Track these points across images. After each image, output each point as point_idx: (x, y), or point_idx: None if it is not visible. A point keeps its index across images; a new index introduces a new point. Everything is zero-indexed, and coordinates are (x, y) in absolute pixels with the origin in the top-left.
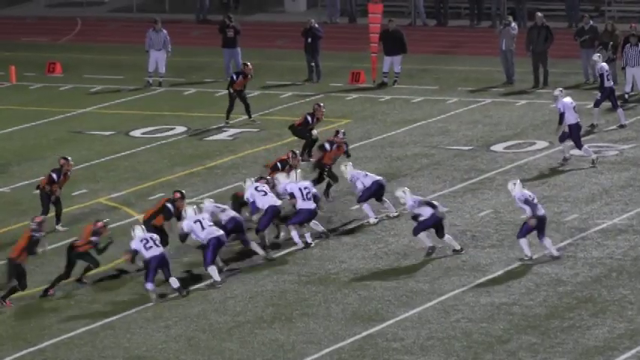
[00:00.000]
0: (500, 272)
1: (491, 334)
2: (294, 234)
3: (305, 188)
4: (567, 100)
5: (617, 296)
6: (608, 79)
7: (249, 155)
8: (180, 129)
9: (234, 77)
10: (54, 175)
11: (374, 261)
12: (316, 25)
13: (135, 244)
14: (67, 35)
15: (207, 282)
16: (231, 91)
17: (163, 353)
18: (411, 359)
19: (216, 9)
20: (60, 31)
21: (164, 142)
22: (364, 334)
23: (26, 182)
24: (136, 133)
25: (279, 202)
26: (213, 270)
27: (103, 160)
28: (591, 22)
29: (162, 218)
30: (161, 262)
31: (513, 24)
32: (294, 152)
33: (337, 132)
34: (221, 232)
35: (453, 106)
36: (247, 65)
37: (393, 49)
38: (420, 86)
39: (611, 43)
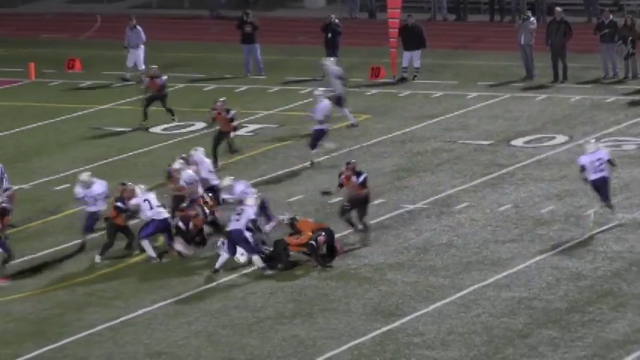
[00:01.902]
0: (520, 267)
1: (511, 329)
2: (146, 244)
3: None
4: (590, 153)
5: (638, 290)
6: None
7: (270, 151)
8: (200, 125)
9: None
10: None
11: (394, 256)
12: (336, 21)
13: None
14: (87, 31)
15: (228, 277)
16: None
17: (184, 349)
18: (432, 354)
19: (235, 5)
20: (80, 27)
21: (184, 138)
22: (385, 329)
23: (46, 179)
24: (157, 129)
25: (164, 216)
26: (146, 245)
27: (122, 156)
28: (611, 17)
29: (121, 218)
30: (163, 225)
31: (532, 19)
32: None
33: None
34: (166, 214)
35: (472, 101)
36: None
37: (413, 44)
38: (440, 81)
39: (631, 37)
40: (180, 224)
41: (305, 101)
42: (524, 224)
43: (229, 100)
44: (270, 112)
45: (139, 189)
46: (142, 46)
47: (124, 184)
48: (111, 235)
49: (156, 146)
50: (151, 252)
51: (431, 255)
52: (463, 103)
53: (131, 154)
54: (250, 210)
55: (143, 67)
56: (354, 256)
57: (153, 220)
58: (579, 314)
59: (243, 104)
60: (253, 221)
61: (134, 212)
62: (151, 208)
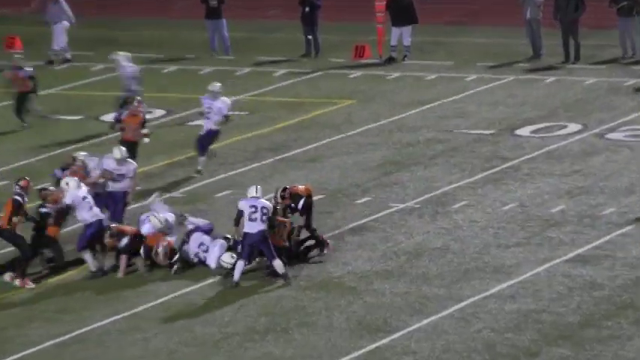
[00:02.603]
0: (527, 275)
1: (517, 346)
2: (87, 256)
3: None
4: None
5: None
6: None
7: (239, 143)
8: (158, 112)
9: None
10: (45, 210)
11: (382, 262)
12: None
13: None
14: (29, 6)
15: (190, 288)
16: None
17: None
18: None
19: None
20: (21, 1)
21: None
22: (371, 346)
23: None
24: (108, 117)
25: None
26: (87, 255)
27: (70, 148)
28: None
29: (51, 227)
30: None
31: None
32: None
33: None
34: (103, 215)
35: (471, 85)
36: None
37: (402, 20)
38: (434, 62)
39: None
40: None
41: (279, 85)
42: (532, 226)
43: (191, 84)
44: (239, 97)
45: (75, 181)
46: (65, 23)
47: (44, 189)
48: (33, 248)
49: (108, 137)
50: (92, 265)
51: (424, 261)
52: (460, 86)
53: (80, 145)
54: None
55: (64, 44)
56: (336, 262)
57: (91, 224)
58: (595, 329)
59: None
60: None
61: (64, 214)
62: (90, 208)
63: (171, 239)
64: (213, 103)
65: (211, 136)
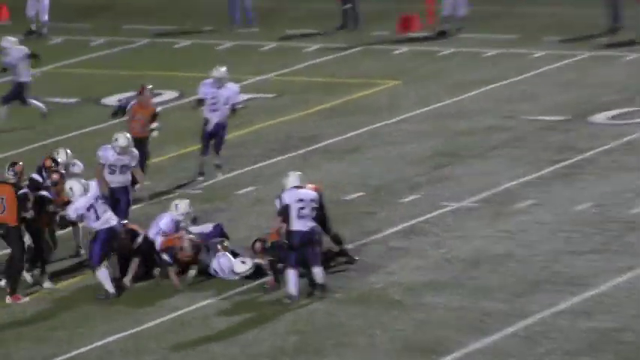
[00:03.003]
0: (604, 287)
1: None
2: (103, 275)
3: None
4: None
5: None
6: None
7: (264, 131)
8: (170, 94)
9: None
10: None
11: (433, 272)
12: None
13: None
14: None
15: (207, 302)
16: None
17: None
18: None
19: None
20: None
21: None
22: None
23: None
24: (111, 100)
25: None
26: (104, 276)
27: (65, 137)
28: None
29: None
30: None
31: None
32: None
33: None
34: (115, 220)
35: (538, 62)
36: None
37: None
38: (494, 35)
39: None
40: (165, 256)
41: (311, 62)
42: (610, 229)
43: (208, 61)
44: (265, 76)
45: (79, 185)
46: None
47: (14, 163)
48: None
49: (110, 123)
50: (110, 286)
51: (483, 271)
52: (525, 64)
53: (77, 133)
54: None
55: (46, 18)
56: (379, 272)
57: (98, 233)
58: None
59: (227, 67)
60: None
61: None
62: (97, 217)
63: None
64: (218, 92)
65: (221, 132)
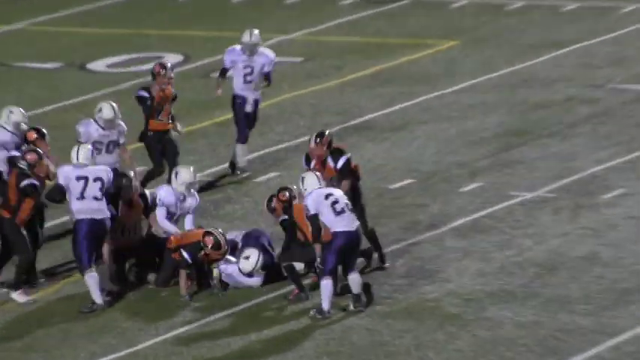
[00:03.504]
0: None
1: None
2: (92, 279)
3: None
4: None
5: None
6: None
7: (289, 102)
8: (174, 58)
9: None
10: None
11: (499, 278)
12: None
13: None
14: None
15: (215, 316)
16: None
17: None
18: None
19: None
20: None
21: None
22: None
23: None
24: (98, 65)
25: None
26: (93, 282)
27: (45, 109)
28: None
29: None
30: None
31: None
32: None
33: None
34: (107, 214)
35: (629, 18)
36: None
37: None
38: None
39: None
40: (185, 254)
41: (345, 19)
42: None
43: (218, 17)
44: (290, 36)
45: (85, 150)
46: None
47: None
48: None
49: (99, 93)
50: (98, 296)
51: (561, 277)
52: (613, 21)
53: (59, 105)
54: None
55: None
56: (432, 278)
57: (83, 222)
58: None
59: (243, 23)
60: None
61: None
62: (83, 195)
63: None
64: (253, 60)
65: (256, 110)
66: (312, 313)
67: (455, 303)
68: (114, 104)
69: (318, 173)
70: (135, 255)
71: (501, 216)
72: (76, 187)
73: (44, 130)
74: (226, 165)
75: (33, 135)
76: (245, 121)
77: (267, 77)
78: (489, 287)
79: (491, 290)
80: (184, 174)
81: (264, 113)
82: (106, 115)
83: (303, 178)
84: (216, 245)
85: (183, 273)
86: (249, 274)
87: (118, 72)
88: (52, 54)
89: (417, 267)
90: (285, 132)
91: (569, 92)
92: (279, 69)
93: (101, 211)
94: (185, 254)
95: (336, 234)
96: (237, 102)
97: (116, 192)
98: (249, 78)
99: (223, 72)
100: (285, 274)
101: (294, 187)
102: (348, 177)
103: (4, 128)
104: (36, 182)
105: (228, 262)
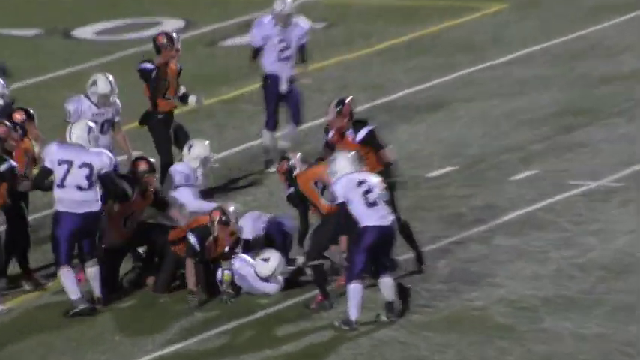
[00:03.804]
0: None
1: None
2: (67, 275)
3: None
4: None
5: None
6: None
7: (311, 75)
8: (174, 24)
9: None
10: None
11: (558, 283)
12: None
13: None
14: None
15: (223, 327)
16: None
17: None
18: None
19: None
20: None
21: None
22: None
23: None
24: (85, 32)
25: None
26: (69, 276)
27: (24, 84)
28: None
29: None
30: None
31: None
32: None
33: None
34: (95, 207)
35: None
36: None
37: None
38: None
39: None
40: (192, 238)
41: None
42: None
43: None
44: None
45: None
46: None
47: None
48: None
49: (86, 64)
50: (73, 290)
51: (630, 281)
52: None
53: (43, 78)
54: None
55: None
56: (478, 282)
57: (69, 214)
58: None
59: None
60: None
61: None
62: (63, 184)
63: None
64: (288, 33)
65: (295, 92)
66: (337, 323)
67: (505, 312)
68: (110, 76)
69: (351, 154)
70: (129, 250)
71: (560, 209)
72: (57, 172)
73: (32, 111)
74: (235, 149)
75: (21, 116)
76: (275, 105)
77: (301, 51)
78: (545, 293)
79: (548, 297)
80: (199, 147)
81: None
82: (101, 89)
83: (333, 160)
84: (224, 220)
85: (190, 264)
86: (266, 279)
87: (109, 40)
88: (32, 19)
89: (460, 269)
90: (305, 110)
91: (638, 64)
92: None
93: (87, 203)
94: (192, 238)
95: (366, 229)
96: (268, 82)
97: (133, 177)
98: (285, 54)
99: (256, 52)
100: (310, 276)
101: (296, 155)
102: (381, 146)
103: None
104: (13, 163)
105: (244, 261)
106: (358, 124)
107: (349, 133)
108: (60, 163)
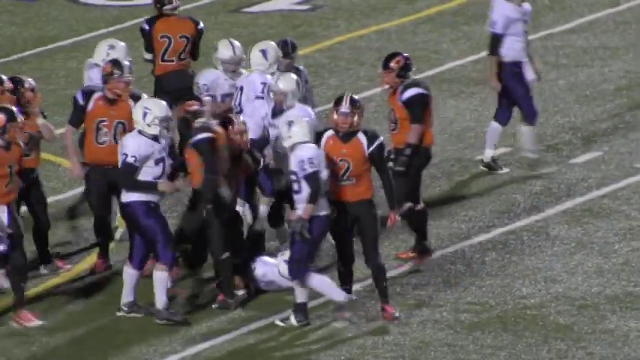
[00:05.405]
0: None
1: None
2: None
3: None
4: None
5: None
6: None
7: (343, 46)
8: None
9: None
10: None
11: (622, 278)
12: None
13: None
14: None
15: (235, 333)
16: None
17: None
18: None
19: None
20: None
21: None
22: None
23: None
24: None
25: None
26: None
27: (22, 55)
28: None
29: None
30: None
31: None
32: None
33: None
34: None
35: None
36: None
37: None
38: None
39: None
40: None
41: None
42: None
43: None
44: None
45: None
46: None
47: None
48: None
49: (92, 34)
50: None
51: None
52: None
53: (41, 49)
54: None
55: None
56: (532, 276)
57: None
58: None
59: None
60: None
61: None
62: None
63: None
64: (526, 11)
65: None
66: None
67: (564, 311)
68: (122, 43)
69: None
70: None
71: (626, 196)
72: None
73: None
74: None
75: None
76: (529, 95)
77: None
78: (610, 290)
79: (613, 294)
80: (223, 48)
81: (312, 60)
82: (118, 54)
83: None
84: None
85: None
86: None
87: (120, 5)
88: None
89: (513, 263)
90: (340, 86)
91: None
92: (332, 2)
93: None
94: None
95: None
96: (514, 71)
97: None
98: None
99: (497, 43)
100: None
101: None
102: (418, 119)
103: None
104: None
105: (265, 264)
106: (410, 85)
107: (399, 90)
108: None
